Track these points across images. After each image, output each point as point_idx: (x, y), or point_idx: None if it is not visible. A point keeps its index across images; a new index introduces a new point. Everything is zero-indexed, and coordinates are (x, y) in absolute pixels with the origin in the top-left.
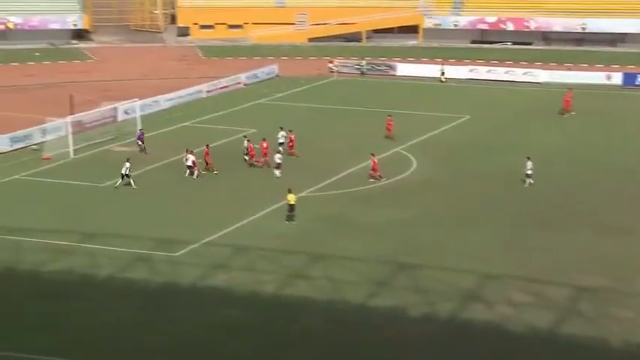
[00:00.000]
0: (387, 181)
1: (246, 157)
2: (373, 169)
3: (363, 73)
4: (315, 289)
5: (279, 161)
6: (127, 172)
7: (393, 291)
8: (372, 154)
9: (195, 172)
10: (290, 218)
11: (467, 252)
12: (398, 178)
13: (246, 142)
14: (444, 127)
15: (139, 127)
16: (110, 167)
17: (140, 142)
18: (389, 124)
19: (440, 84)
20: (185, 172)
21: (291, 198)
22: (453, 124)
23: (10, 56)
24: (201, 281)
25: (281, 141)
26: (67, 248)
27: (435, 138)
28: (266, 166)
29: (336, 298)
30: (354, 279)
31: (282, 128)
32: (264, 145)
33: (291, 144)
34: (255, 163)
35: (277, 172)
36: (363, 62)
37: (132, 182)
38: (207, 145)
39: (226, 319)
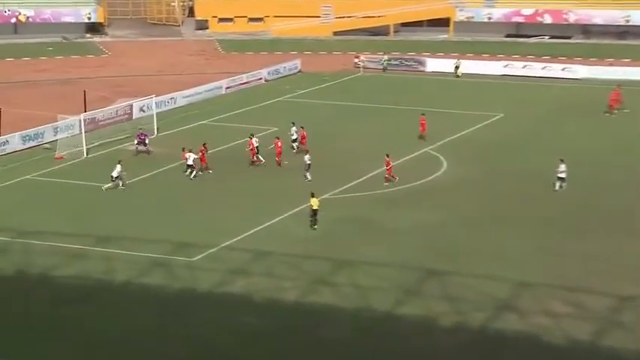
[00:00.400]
0: (417, 183)
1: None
2: (387, 171)
3: (384, 69)
4: (340, 297)
5: (309, 162)
6: (118, 175)
7: (421, 299)
8: (387, 155)
9: (194, 172)
10: (314, 223)
11: (500, 258)
12: (427, 179)
13: (247, 138)
14: (476, 126)
15: (155, 125)
16: (125, 167)
17: (136, 143)
18: (422, 123)
19: (456, 79)
20: (185, 172)
21: (315, 202)
22: (486, 122)
23: (22, 51)
24: (220, 287)
25: (295, 137)
26: (81, 252)
27: (467, 137)
28: (277, 165)
29: (361, 306)
30: (381, 286)
31: (294, 124)
32: (279, 143)
33: (302, 141)
34: (257, 163)
35: (308, 175)
36: (385, 57)
37: (120, 184)
38: (204, 144)
39: (245, 326)
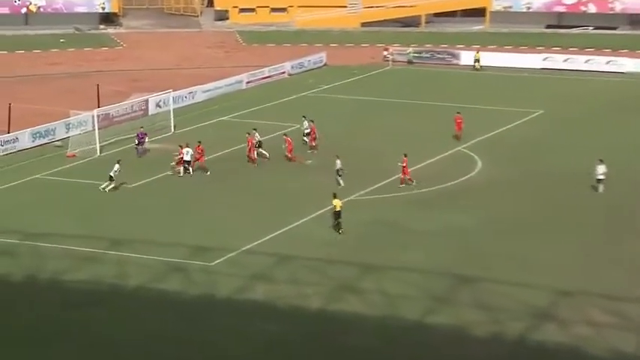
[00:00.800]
0: (449, 184)
1: (288, 154)
2: (403, 172)
3: (409, 62)
4: (366, 304)
5: (340, 166)
6: (114, 174)
7: (453, 307)
8: (405, 155)
9: (190, 169)
10: (338, 226)
11: (537, 264)
12: (460, 179)
13: (252, 133)
14: (514, 123)
15: (172, 122)
16: (141, 166)
17: (136, 143)
18: (458, 122)
19: (476, 72)
20: (186, 170)
21: (337, 204)
22: (524, 119)
23: (32, 43)
24: (240, 293)
25: (307, 131)
26: (93, 255)
27: (503, 135)
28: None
29: (388, 314)
30: (410, 293)
31: (305, 117)
32: (289, 139)
33: (312, 136)
34: (261, 159)
35: (341, 181)
36: (410, 49)
37: (112, 185)
38: (199, 142)
39: (266, 334)
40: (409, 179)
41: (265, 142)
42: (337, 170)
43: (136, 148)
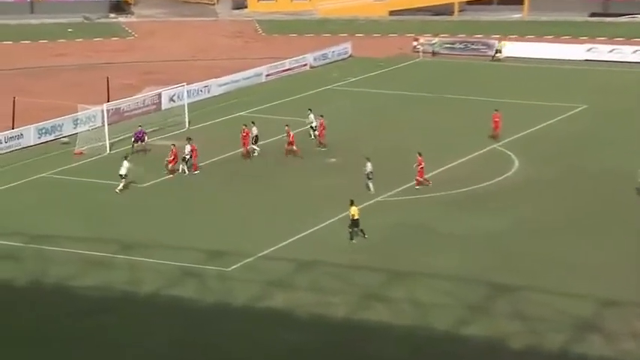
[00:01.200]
0: (483, 184)
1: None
2: (419, 173)
3: (434, 53)
4: (393, 313)
5: (371, 170)
6: (127, 172)
7: (487, 317)
8: (419, 154)
9: (186, 169)
10: (355, 234)
11: (580, 271)
12: (495, 180)
13: (249, 125)
14: (554, 119)
15: (186, 117)
16: (153, 164)
17: (133, 141)
18: (495, 120)
19: (496, 63)
20: (187, 166)
21: (355, 211)
22: (565, 115)
23: (38, 32)
24: (258, 301)
25: (314, 124)
26: (103, 260)
27: (542, 132)
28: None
29: (417, 324)
30: (441, 301)
31: (310, 110)
32: (290, 132)
33: (321, 133)
34: (250, 153)
35: (371, 186)
36: (435, 40)
37: (121, 185)
38: (188, 138)
39: (286, 344)
40: (425, 180)
41: (283, 140)
42: (367, 174)
43: (132, 147)
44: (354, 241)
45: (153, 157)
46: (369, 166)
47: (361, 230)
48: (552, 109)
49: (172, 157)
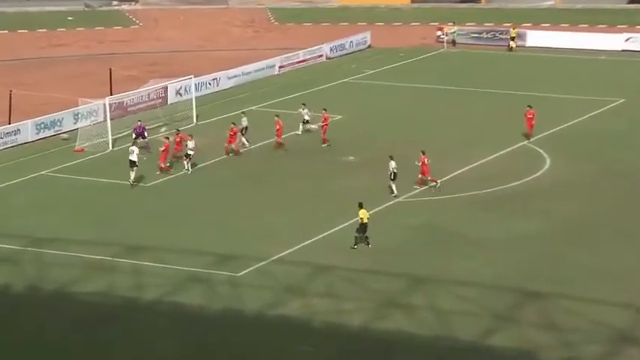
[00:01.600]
0: (512, 184)
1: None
2: (422, 172)
3: (453, 42)
4: (415, 321)
5: (395, 170)
6: (138, 159)
7: (516, 327)
8: (423, 152)
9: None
10: (360, 240)
11: (616, 278)
12: (525, 179)
13: (237, 122)
14: (589, 114)
15: (194, 111)
16: (156, 162)
17: (134, 137)
18: (529, 117)
19: (510, 53)
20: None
21: (364, 215)
22: (602, 109)
23: (36, 21)
24: (270, 308)
25: (306, 118)
26: (105, 264)
27: (576, 128)
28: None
29: (441, 333)
30: (466, 310)
31: (304, 105)
32: (277, 126)
33: (324, 127)
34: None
35: (394, 187)
36: (454, 28)
37: (133, 175)
38: (177, 130)
39: (300, 355)
40: (432, 179)
41: (296, 137)
42: (390, 174)
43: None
44: (356, 247)
45: (156, 154)
46: (392, 165)
47: (366, 237)
48: (587, 103)
49: (164, 149)
